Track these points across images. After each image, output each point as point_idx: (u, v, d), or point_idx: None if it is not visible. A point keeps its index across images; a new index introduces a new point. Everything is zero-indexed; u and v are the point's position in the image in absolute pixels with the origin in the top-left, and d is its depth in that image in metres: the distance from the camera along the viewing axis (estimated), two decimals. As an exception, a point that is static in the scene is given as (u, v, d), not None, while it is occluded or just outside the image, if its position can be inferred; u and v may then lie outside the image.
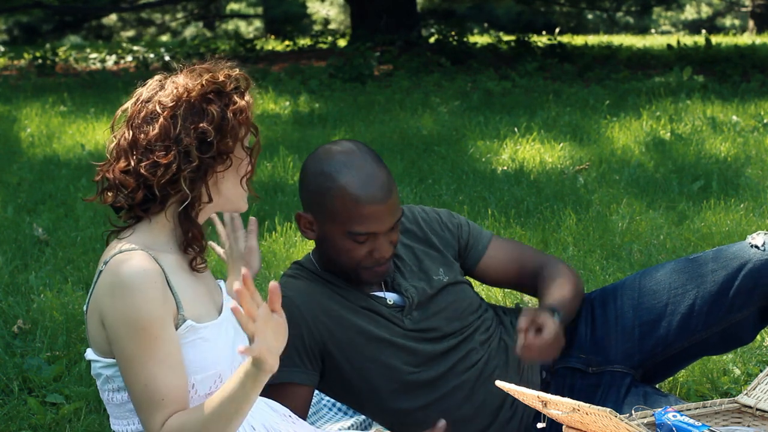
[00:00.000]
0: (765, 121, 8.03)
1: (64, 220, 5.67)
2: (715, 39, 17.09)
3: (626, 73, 12.02)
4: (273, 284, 2.05)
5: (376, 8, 15.25)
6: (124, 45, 19.63)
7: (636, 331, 2.89)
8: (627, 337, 2.90)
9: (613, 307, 2.93)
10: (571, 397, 2.51)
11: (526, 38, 15.52)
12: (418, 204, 3.17)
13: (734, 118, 8.31)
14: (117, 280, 2.15)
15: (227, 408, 2.09)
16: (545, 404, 2.33)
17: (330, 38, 17.99)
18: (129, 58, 16.37)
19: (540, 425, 2.45)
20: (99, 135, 8.22)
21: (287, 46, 17.37)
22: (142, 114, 2.23)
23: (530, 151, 7.16)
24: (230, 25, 28.76)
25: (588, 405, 2.22)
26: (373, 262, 2.70)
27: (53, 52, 15.64)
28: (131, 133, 2.23)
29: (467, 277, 2.97)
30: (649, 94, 9.80)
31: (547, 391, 2.84)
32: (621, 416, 2.20)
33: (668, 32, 26.53)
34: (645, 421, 2.46)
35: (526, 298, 4.04)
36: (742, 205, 5.51)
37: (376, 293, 2.80)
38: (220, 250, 2.83)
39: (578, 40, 18.61)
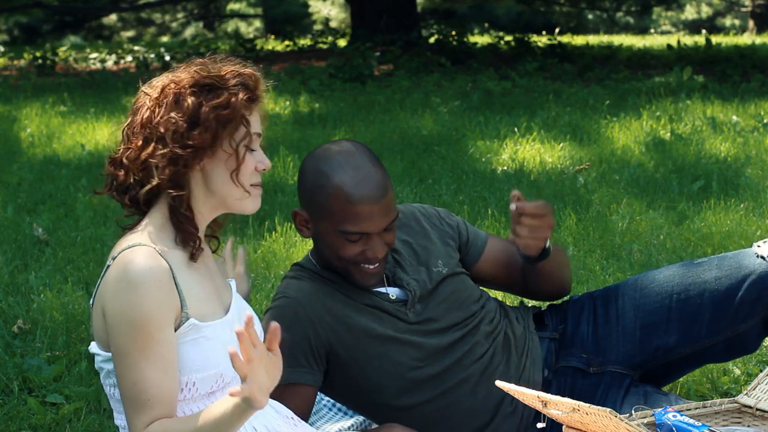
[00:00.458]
0: (765, 121, 8.03)
1: (64, 220, 5.66)
2: (715, 39, 17.07)
3: (626, 73, 12.02)
4: (274, 325, 2.05)
5: (376, 8, 15.24)
6: (124, 45, 19.62)
7: (637, 333, 2.89)
8: (628, 338, 2.89)
9: (614, 307, 2.93)
10: (571, 397, 2.51)
11: (526, 38, 15.52)
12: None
13: (734, 118, 8.31)
14: (122, 275, 2.16)
15: (209, 430, 2.08)
16: (545, 404, 2.33)
17: (330, 38, 17.98)
18: (129, 58, 16.35)
19: (540, 425, 2.46)
20: (99, 135, 8.22)
21: (287, 46, 17.34)
22: (138, 102, 2.28)
23: (530, 151, 7.15)
24: (230, 25, 28.73)
25: (588, 405, 2.22)
26: (365, 262, 2.70)
27: (53, 52, 15.64)
28: (128, 119, 2.28)
29: (466, 274, 2.98)
30: (649, 94, 9.80)
31: (548, 391, 2.84)
32: (621, 416, 2.20)
33: (668, 32, 26.51)
34: (645, 421, 2.46)
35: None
36: (742, 205, 5.51)
37: (378, 289, 2.80)
38: None
39: (578, 40, 18.60)
